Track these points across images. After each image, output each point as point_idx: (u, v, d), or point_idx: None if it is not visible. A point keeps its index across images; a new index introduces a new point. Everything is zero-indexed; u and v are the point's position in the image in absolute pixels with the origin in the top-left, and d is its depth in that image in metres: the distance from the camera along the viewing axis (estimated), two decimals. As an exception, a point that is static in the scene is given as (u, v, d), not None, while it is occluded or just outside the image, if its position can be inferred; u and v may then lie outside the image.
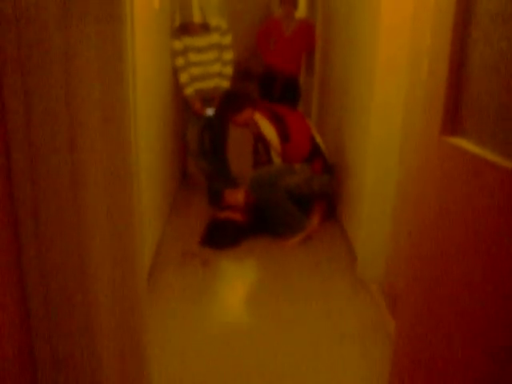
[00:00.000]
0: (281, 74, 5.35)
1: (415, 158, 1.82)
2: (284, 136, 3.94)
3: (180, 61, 4.38)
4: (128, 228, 1.60)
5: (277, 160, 4.02)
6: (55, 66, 1.33)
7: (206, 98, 4.47)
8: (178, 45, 4.36)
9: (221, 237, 3.90)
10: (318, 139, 4.12)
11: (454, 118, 1.48)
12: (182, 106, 4.68)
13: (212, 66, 4.45)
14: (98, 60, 1.43)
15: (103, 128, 1.47)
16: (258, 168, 4.13)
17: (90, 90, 1.41)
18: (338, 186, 4.34)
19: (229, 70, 4.49)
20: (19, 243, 1.41)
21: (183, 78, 4.42)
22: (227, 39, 4.45)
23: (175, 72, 4.46)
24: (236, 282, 3.56)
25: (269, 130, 3.96)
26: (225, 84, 4.49)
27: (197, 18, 4.29)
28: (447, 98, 1.48)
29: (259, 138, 4.13)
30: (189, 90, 4.43)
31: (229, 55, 4.48)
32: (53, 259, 1.44)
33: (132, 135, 1.59)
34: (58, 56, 1.33)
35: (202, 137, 4.67)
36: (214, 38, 4.40)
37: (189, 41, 4.35)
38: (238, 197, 4.12)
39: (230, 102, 4.11)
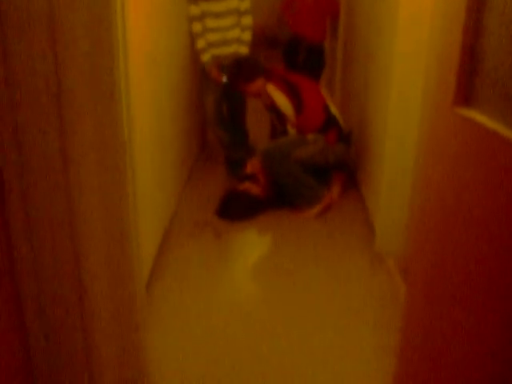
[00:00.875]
0: (305, 40, 5.17)
1: (427, 128, 1.70)
2: (298, 106, 3.81)
3: (197, 27, 4.25)
4: (123, 225, 1.52)
5: (292, 131, 3.91)
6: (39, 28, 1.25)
7: (223, 65, 4.34)
8: (194, 10, 4.22)
9: (236, 208, 3.82)
10: (333, 109, 3.98)
11: (467, 88, 1.36)
12: (200, 74, 4.56)
13: (230, 32, 4.30)
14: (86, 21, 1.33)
15: (92, 109, 1.38)
16: (275, 139, 4.02)
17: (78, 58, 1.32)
18: (358, 155, 4.21)
19: (248, 36, 4.34)
20: (11, 242, 1.35)
21: (200, 44, 4.29)
22: (246, 4, 4.29)
23: (193, 38, 4.34)
24: (249, 253, 3.49)
25: (283, 102, 3.84)
26: (243, 50, 4.35)
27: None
28: (461, 66, 1.35)
29: (273, 110, 4.01)
30: (206, 57, 4.31)
31: (248, 20, 4.33)
32: (46, 258, 1.37)
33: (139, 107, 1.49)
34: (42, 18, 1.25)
35: (220, 105, 4.56)
36: (233, 2, 4.24)
37: (206, 6, 4.21)
38: (258, 164, 4.00)
39: (241, 71, 3.97)
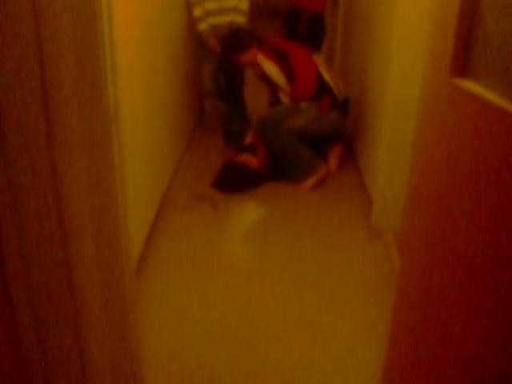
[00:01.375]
0: (305, 10, 5.05)
1: (424, 98, 1.64)
2: (289, 75, 3.76)
3: (193, -6, 4.16)
4: (112, 222, 1.47)
5: (285, 99, 3.86)
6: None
7: (220, 34, 4.25)
8: (191, -23, 4.13)
9: (234, 181, 3.78)
10: (326, 76, 3.91)
11: (464, 58, 1.30)
12: (197, 43, 4.47)
13: (227, 1, 4.21)
14: None
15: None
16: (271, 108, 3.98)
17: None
18: (356, 126, 4.15)
19: (245, 5, 4.24)
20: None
21: (197, 12, 4.19)
22: (244, -28, 4.19)
23: (189, 6, 4.24)
24: (245, 226, 3.46)
25: (274, 71, 3.80)
26: (240, 20, 4.25)
27: None
28: (458, 35, 1.30)
29: (264, 79, 3.96)
30: (203, 26, 4.22)
31: (246, -11, 4.23)
32: (34, 247, 1.32)
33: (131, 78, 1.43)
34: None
35: (218, 76, 4.48)
36: (230, -30, 4.15)
37: (202, -27, 4.11)
38: (254, 159, 3.96)
39: (234, 41, 3.92)
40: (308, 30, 5.05)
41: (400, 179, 3.05)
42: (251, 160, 3.92)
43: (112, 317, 1.55)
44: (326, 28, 5.21)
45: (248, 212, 3.57)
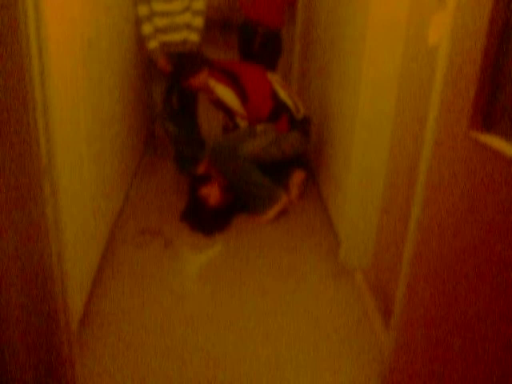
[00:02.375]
0: (261, 27, 4.80)
1: (435, 151, 1.39)
2: (242, 96, 3.50)
3: (142, 10, 3.84)
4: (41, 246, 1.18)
5: (242, 124, 3.59)
6: None
7: (172, 54, 3.95)
8: (140, -9, 3.81)
9: (197, 223, 3.44)
10: (282, 94, 3.65)
11: (485, 112, 1.06)
12: (147, 62, 4.15)
13: (180, 17, 3.91)
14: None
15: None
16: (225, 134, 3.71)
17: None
18: (319, 151, 3.90)
19: (199, 22, 3.95)
20: None
21: (146, 29, 3.88)
22: (198, -14, 3.90)
23: (138, 23, 3.93)
24: (200, 265, 3.15)
25: (228, 95, 3.54)
26: (194, 37, 3.96)
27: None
28: (479, 89, 1.05)
29: (219, 105, 3.68)
30: (152, 44, 3.90)
31: (199, 4, 3.93)
32: None
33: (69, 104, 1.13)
34: None
35: (169, 96, 4.17)
36: (182, -17, 3.86)
37: (153, -14, 3.81)
38: (213, 192, 3.61)
39: (183, 65, 3.67)
40: (264, 46, 4.80)
41: (370, 214, 2.82)
42: (210, 195, 3.58)
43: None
44: (283, 45, 4.97)
45: (203, 248, 3.26)
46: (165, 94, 4.11)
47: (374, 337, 2.45)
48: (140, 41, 4.06)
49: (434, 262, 1.40)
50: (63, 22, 2.02)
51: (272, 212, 3.55)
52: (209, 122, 4.56)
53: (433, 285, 1.44)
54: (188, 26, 3.95)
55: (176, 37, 3.96)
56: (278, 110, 3.57)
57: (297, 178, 3.87)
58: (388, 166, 2.65)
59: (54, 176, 1.28)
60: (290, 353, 2.35)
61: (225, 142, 3.56)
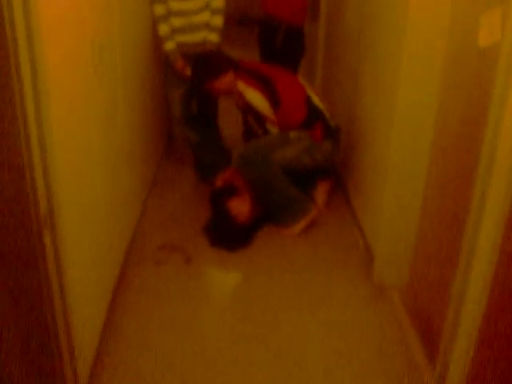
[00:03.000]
0: (283, 23, 4.55)
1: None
2: (274, 100, 3.24)
3: (159, 9, 3.62)
4: None
5: (273, 130, 3.34)
6: None
7: (190, 55, 3.73)
8: (156, -11, 3.60)
9: (221, 239, 3.21)
10: (316, 99, 3.41)
11: None
12: (164, 64, 3.94)
13: (198, 16, 3.68)
14: None
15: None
16: (249, 141, 3.45)
17: None
18: (347, 158, 3.67)
19: (219, 21, 3.72)
20: None
21: (163, 30, 3.66)
22: (217, -17, 3.68)
23: (155, 23, 3.71)
24: (223, 285, 2.95)
25: (258, 99, 3.26)
26: (214, 37, 3.73)
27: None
28: None
29: (248, 110, 3.42)
30: (169, 45, 3.68)
31: (219, 2, 3.70)
32: None
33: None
34: None
35: (188, 100, 3.94)
36: (201, -19, 3.64)
37: (169, -16, 3.59)
38: (243, 209, 3.35)
39: (206, 66, 3.39)
40: (286, 44, 4.56)
41: (408, 229, 2.58)
42: (239, 212, 3.32)
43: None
44: (305, 43, 4.73)
45: (227, 265, 3.04)
46: (183, 99, 3.90)
47: (416, 371, 2.22)
48: (157, 42, 3.85)
49: None
50: (70, 26, 1.81)
51: (300, 225, 3.32)
52: (230, 128, 4.32)
53: None
54: (207, 26, 3.73)
55: (194, 37, 3.74)
56: (312, 116, 3.33)
57: (323, 186, 3.63)
58: (428, 174, 2.41)
59: (56, 228, 1.09)
60: (323, 379, 2.15)
61: (255, 148, 3.29)
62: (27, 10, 1.03)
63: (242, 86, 3.29)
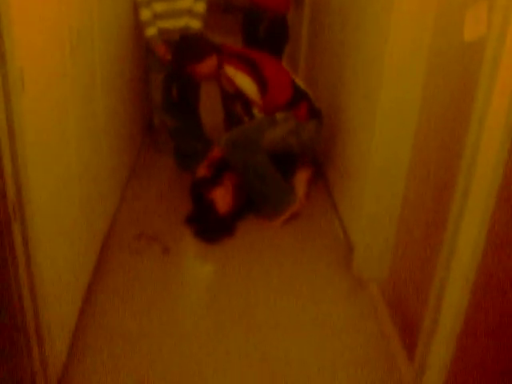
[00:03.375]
0: (267, 11, 4.49)
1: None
2: (261, 82, 3.19)
3: (141, -6, 3.55)
4: None
5: (259, 115, 3.29)
6: None
7: (172, 41, 3.66)
8: (137, -27, 3.53)
9: (203, 230, 3.17)
10: (299, 81, 3.39)
11: None
12: (145, 50, 3.86)
13: (180, 2, 3.62)
14: None
15: None
16: (232, 128, 3.39)
17: None
18: (331, 149, 3.63)
19: (201, 7, 3.67)
20: None
21: (144, 15, 3.59)
22: (199, -31, 3.61)
23: (136, 8, 3.64)
24: (201, 275, 2.91)
25: (247, 83, 3.21)
26: (196, 24, 3.68)
27: None
28: None
29: (236, 96, 3.37)
30: (151, 31, 3.62)
31: (201, -12, 3.65)
32: None
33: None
34: None
35: (169, 87, 3.87)
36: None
37: (151, -31, 3.52)
38: (224, 198, 3.30)
39: (188, 50, 3.31)
40: (270, 32, 4.52)
41: (389, 222, 2.57)
42: (220, 202, 3.27)
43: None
44: (289, 31, 4.68)
45: (207, 255, 3.01)
46: (164, 84, 3.83)
47: (393, 363, 2.21)
48: (138, 27, 3.78)
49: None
50: (45, 11, 1.75)
51: (284, 216, 3.30)
52: (210, 116, 4.26)
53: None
54: (189, 12, 3.67)
55: (176, 23, 3.68)
56: (297, 96, 3.30)
57: (303, 174, 3.59)
58: (410, 167, 2.39)
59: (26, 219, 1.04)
60: (300, 373, 2.13)
61: (245, 132, 3.25)
62: None
63: (231, 71, 3.24)
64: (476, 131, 1.61)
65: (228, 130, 3.52)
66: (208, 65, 3.30)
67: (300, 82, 3.40)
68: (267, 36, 4.49)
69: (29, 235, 1.13)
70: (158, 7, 3.61)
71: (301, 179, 3.58)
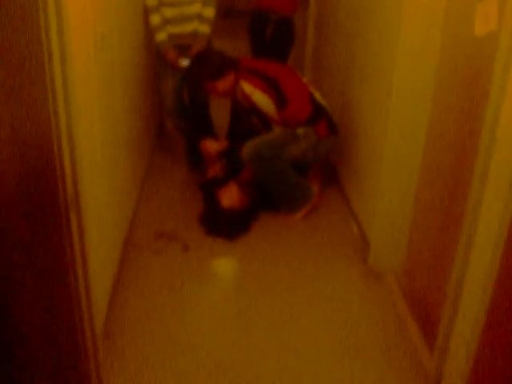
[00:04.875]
0: (273, 12, 4.56)
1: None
2: (280, 100, 3.25)
3: (151, -1, 3.63)
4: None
5: (277, 129, 3.36)
6: None
7: (181, 46, 3.74)
8: (148, -20, 3.60)
9: (219, 228, 3.24)
10: (318, 96, 3.45)
11: None
12: (156, 55, 3.94)
13: (190, 7, 3.69)
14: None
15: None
16: (239, 139, 3.45)
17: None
18: (343, 149, 3.71)
19: (210, 12, 3.73)
20: None
21: (154, 20, 3.67)
22: (209, -26, 3.69)
23: (147, 13, 3.72)
24: (221, 272, 2.99)
25: (264, 101, 3.26)
26: (205, 29, 3.75)
27: None
28: None
29: (253, 111, 3.43)
30: (161, 36, 3.69)
31: (211, -7, 3.73)
32: None
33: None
34: None
35: (180, 91, 3.96)
36: (193, -29, 3.65)
37: (161, -25, 3.60)
38: (230, 194, 3.40)
39: (206, 67, 3.34)
40: (277, 34, 4.59)
41: (403, 215, 2.64)
42: (231, 199, 3.36)
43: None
44: (295, 34, 4.76)
45: (224, 252, 3.08)
46: (175, 89, 3.91)
47: (414, 353, 2.28)
48: (149, 33, 3.85)
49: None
50: (75, 17, 1.83)
51: (304, 210, 3.41)
52: (220, 118, 4.34)
53: None
54: (198, 17, 3.75)
55: (185, 28, 3.75)
56: (317, 113, 3.36)
57: (316, 174, 3.67)
58: (423, 160, 2.47)
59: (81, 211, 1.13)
60: (321, 365, 2.20)
61: (267, 144, 3.29)
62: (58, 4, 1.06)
63: (248, 88, 3.26)
64: (491, 124, 1.66)
65: (232, 134, 3.62)
66: (226, 81, 3.34)
67: (318, 95, 3.45)
68: (274, 38, 4.56)
69: (83, 224, 1.21)
70: (168, 12, 3.68)
71: (314, 178, 3.65)
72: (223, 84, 3.34)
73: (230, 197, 3.37)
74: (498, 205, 1.61)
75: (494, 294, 1.69)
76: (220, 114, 4.28)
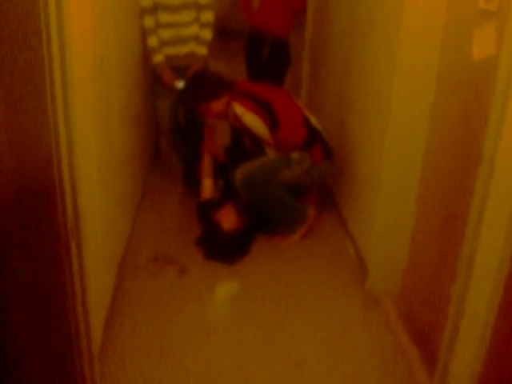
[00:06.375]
0: (269, 35, 4.58)
1: None
2: (273, 124, 3.23)
3: (148, 21, 3.65)
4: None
5: (270, 152, 3.35)
6: None
7: (178, 67, 3.76)
8: (146, 1, 3.62)
9: (217, 252, 3.20)
10: (313, 120, 3.43)
11: None
12: (152, 76, 3.95)
13: (187, 29, 3.72)
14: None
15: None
16: (235, 160, 3.44)
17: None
18: (337, 168, 3.70)
19: (208, 34, 3.76)
20: None
21: (152, 41, 3.69)
22: (207, -3, 3.72)
23: (144, 35, 3.73)
24: (218, 295, 2.95)
25: (256, 123, 3.25)
26: (202, 50, 3.77)
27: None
28: None
29: (245, 133, 3.43)
30: (158, 58, 3.71)
31: (208, 16, 3.75)
32: None
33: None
34: None
35: (176, 111, 3.96)
36: (191, -6, 3.67)
37: (159, -3, 3.62)
38: (228, 217, 3.38)
39: (200, 89, 3.33)
40: (273, 56, 4.61)
41: (401, 239, 2.63)
42: (224, 220, 3.34)
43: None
44: (291, 55, 4.78)
45: (220, 276, 3.05)
46: (171, 110, 3.91)
47: (412, 376, 2.26)
48: (146, 54, 3.87)
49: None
50: (75, 39, 1.83)
51: (300, 232, 3.39)
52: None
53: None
54: (195, 39, 3.77)
55: (182, 50, 3.78)
56: (312, 137, 3.34)
57: (311, 197, 3.65)
58: (421, 184, 2.46)
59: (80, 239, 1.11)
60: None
61: (260, 169, 3.27)
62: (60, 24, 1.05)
63: (239, 110, 3.25)
64: (492, 144, 1.65)
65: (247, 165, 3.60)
66: (221, 103, 3.30)
67: (313, 120, 3.43)
68: (270, 59, 4.58)
69: (82, 252, 1.20)
70: (165, 34, 3.70)
71: (309, 201, 3.63)
72: (217, 105, 3.31)
73: (229, 219, 3.34)
74: (498, 233, 1.60)
75: (496, 316, 1.68)
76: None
